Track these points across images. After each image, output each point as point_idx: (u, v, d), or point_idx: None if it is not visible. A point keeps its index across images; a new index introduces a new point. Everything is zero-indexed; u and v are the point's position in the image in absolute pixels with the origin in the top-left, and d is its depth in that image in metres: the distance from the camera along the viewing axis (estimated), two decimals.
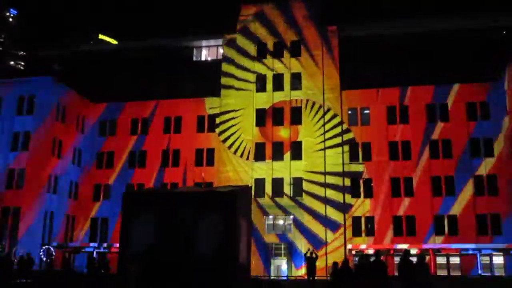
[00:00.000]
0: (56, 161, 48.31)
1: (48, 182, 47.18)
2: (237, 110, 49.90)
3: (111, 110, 53.74)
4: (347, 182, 46.93)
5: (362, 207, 46.46)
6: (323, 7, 51.31)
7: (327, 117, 48.25)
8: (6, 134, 47.56)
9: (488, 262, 43.04)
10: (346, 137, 47.93)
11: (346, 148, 47.72)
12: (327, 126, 48.03)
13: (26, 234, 44.53)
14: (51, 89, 48.71)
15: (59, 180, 48.63)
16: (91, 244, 47.82)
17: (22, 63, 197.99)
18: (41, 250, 43.87)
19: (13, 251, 41.34)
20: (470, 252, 42.40)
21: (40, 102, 48.20)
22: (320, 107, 48.48)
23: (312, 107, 48.65)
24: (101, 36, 56.87)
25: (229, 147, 49.06)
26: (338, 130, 47.85)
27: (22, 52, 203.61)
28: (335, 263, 19.09)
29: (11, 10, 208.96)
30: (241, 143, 48.98)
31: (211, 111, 51.30)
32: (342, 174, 46.85)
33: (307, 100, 48.83)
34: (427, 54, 48.65)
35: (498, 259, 43.25)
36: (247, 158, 48.53)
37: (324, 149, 47.39)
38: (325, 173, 46.85)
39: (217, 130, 50.16)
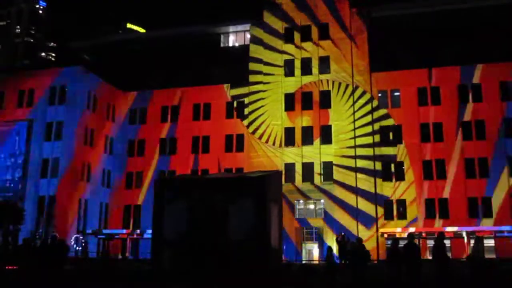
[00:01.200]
0: (89, 150, 49.09)
1: (82, 171, 48.02)
2: (265, 98, 49.85)
3: (141, 98, 54.23)
4: (378, 165, 46.50)
5: (394, 190, 45.96)
6: None
7: (356, 95, 47.76)
8: (39, 124, 48.42)
9: None
10: (376, 114, 47.38)
11: (377, 126, 47.14)
12: (357, 106, 47.57)
13: (61, 222, 45.39)
14: (82, 79, 49.37)
15: (92, 169, 49.43)
16: (124, 231, 48.54)
17: (53, 54, 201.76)
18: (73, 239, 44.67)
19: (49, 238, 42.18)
20: (506, 234, 41.62)
21: (72, 92, 48.88)
22: (347, 85, 48.04)
23: (339, 88, 48.23)
24: (129, 25, 57.32)
25: (260, 137, 49.05)
26: (368, 108, 47.38)
27: (52, 44, 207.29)
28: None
29: (41, 2, 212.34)
30: (272, 130, 48.92)
31: (236, 97, 51.32)
32: (373, 156, 46.41)
33: (334, 82, 48.40)
34: (458, 34, 47.49)
35: None
36: (280, 146, 48.51)
37: (354, 129, 47.00)
38: (355, 156, 46.51)
39: (245, 122, 50.20)
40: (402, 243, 17.36)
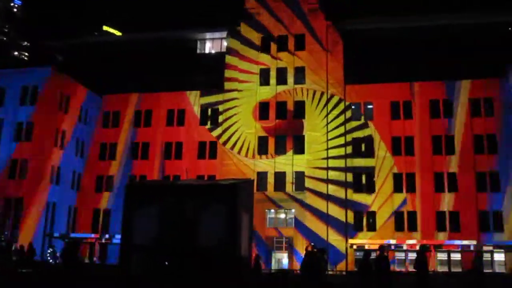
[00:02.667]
0: (59, 152, 48.36)
1: (51, 173, 47.24)
2: (239, 106, 49.81)
3: (114, 101, 53.73)
4: (350, 176, 46.88)
5: (365, 202, 46.38)
6: (328, 1, 51.12)
7: (330, 106, 48.12)
8: (9, 124, 47.55)
9: (489, 258, 43.00)
10: (349, 126, 47.79)
11: (349, 138, 47.54)
12: (330, 116, 47.87)
13: (28, 225, 44.55)
14: (55, 80, 48.69)
15: (62, 170, 48.68)
16: (93, 235, 47.88)
17: (26, 54, 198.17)
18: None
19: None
20: (472, 248, 42.36)
21: (44, 93, 48.14)
22: (321, 96, 48.36)
23: (313, 99, 48.54)
24: (105, 28, 56.84)
25: (233, 146, 48.91)
26: (341, 119, 47.78)
27: (26, 43, 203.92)
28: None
29: (16, 0, 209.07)
30: (245, 139, 48.84)
31: (211, 104, 51.25)
32: (345, 167, 46.77)
33: (308, 92, 48.68)
34: (431, 49, 48.36)
35: (499, 256, 43.21)
36: (252, 157, 48.48)
37: (327, 140, 47.28)
38: (327, 167, 46.77)
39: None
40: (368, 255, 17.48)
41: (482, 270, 17.58)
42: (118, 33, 56.92)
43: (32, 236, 42.77)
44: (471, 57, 46.96)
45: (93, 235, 48.06)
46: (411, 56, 48.33)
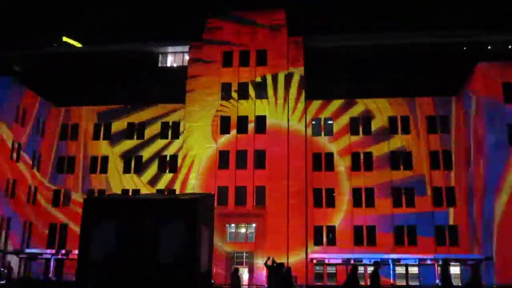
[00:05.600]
0: (15, 165, 47.15)
1: (6, 187, 45.96)
2: (201, 120, 49.57)
3: (73, 114, 52.88)
4: (310, 191, 47.23)
5: (324, 216, 46.81)
6: (290, 18, 51.81)
7: (291, 121, 48.47)
8: None
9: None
10: (309, 141, 48.25)
11: (310, 152, 48.01)
12: (291, 132, 48.15)
13: None
14: (11, 91, 47.57)
15: (17, 185, 47.43)
16: (48, 251, 46.70)
17: None
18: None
19: None
20: (429, 262, 43.18)
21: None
22: (282, 111, 48.67)
23: (274, 114, 48.83)
24: (65, 39, 55.90)
25: (192, 161, 48.71)
26: (302, 133, 48.15)
27: None
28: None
29: None
30: (205, 153, 48.63)
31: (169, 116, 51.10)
32: (305, 182, 47.09)
33: (269, 107, 49.00)
34: (391, 68, 49.52)
35: (455, 269, 44.16)
36: (213, 171, 48.30)
37: (288, 155, 47.49)
38: (288, 182, 46.96)
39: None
40: (331, 269, 17.66)
41: (480, 282, 18.20)
42: (78, 45, 56.03)
43: None
44: (428, 75, 48.43)
45: (48, 251, 46.83)
46: (372, 73, 49.45)
